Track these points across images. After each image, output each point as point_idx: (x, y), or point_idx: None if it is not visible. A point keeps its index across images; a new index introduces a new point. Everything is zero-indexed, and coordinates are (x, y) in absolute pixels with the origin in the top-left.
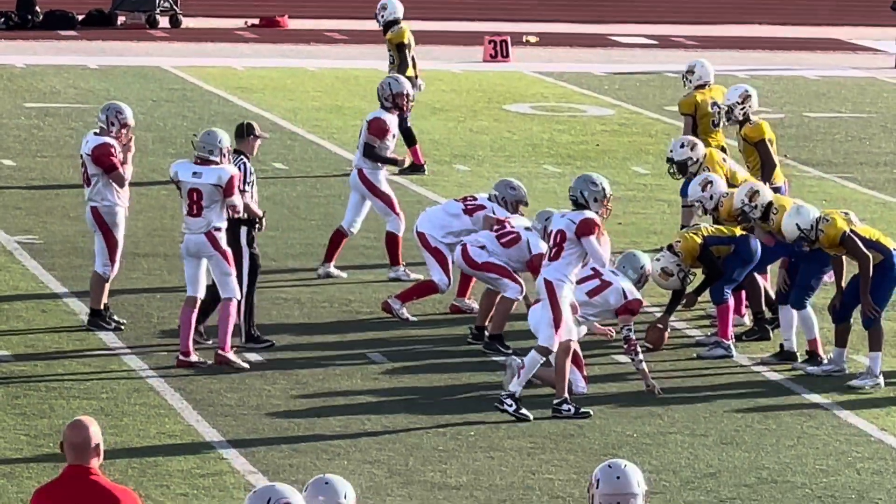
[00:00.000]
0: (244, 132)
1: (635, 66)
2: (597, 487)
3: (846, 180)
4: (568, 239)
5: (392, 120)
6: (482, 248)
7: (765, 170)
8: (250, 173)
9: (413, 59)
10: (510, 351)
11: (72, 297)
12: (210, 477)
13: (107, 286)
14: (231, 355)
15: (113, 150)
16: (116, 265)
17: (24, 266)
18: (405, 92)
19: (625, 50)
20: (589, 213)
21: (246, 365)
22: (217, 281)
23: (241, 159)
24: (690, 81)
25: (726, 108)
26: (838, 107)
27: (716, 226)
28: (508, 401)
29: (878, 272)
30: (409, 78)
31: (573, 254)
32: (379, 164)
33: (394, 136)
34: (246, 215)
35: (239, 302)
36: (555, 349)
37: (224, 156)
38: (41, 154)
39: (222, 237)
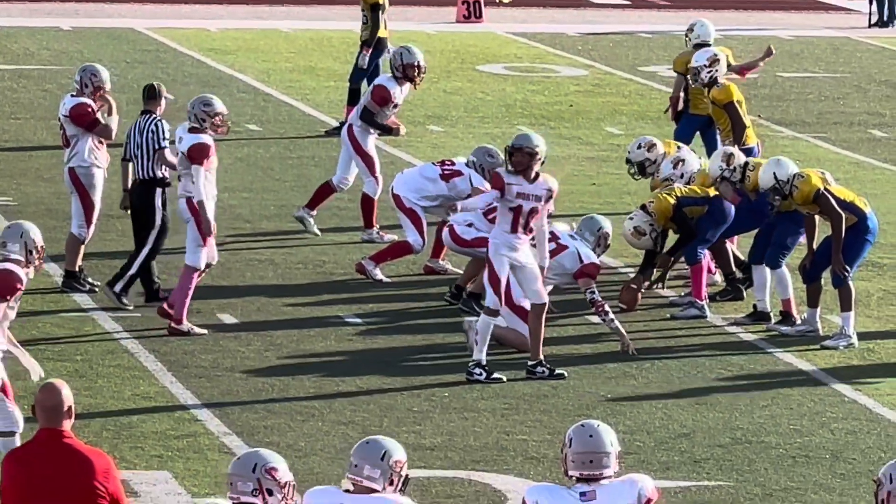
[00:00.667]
0: (155, 93)
1: (609, 27)
2: (569, 447)
3: (819, 140)
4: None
5: (396, 89)
6: (469, 225)
7: (735, 131)
8: (165, 130)
9: (385, 21)
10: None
11: (46, 259)
12: (184, 438)
13: (82, 248)
14: (185, 325)
15: (90, 108)
16: (93, 227)
17: None
18: (416, 63)
19: (598, 10)
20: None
21: (203, 331)
22: (187, 247)
23: (154, 118)
24: (690, 40)
25: (694, 70)
26: (812, 67)
27: (689, 186)
28: (477, 370)
29: (851, 233)
30: (381, 39)
31: (500, 211)
32: (371, 129)
33: (395, 105)
34: (157, 176)
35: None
36: (501, 309)
37: (205, 120)
38: (15, 116)
39: (196, 206)
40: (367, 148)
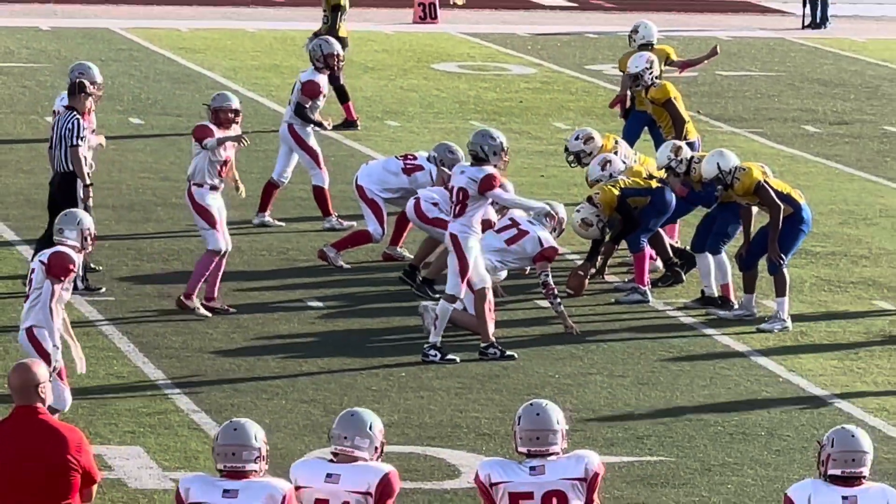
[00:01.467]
0: (76, 90)
1: (557, 28)
2: (519, 424)
3: (756, 135)
4: (470, 196)
5: (323, 80)
6: (435, 204)
7: (677, 126)
8: (83, 128)
9: (345, 21)
10: (438, 296)
11: (25, 245)
12: (156, 415)
13: None
14: (193, 302)
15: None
16: None
17: None
18: (335, 52)
19: (547, 12)
20: (488, 168)
21: (208, 314)
22: (201, 234)
23: (74, 115)
24: (634, 41)
25: (634, 75)
26: (748, 66)
27: (633, 178)
28: (432, 351)
29: (787, 224)
30: (341, 38)
31: (476, 207)
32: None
33: (324, 96)
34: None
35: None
36: (461, 296)
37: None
38: None
39: (200, 193)
40: (309, 142)
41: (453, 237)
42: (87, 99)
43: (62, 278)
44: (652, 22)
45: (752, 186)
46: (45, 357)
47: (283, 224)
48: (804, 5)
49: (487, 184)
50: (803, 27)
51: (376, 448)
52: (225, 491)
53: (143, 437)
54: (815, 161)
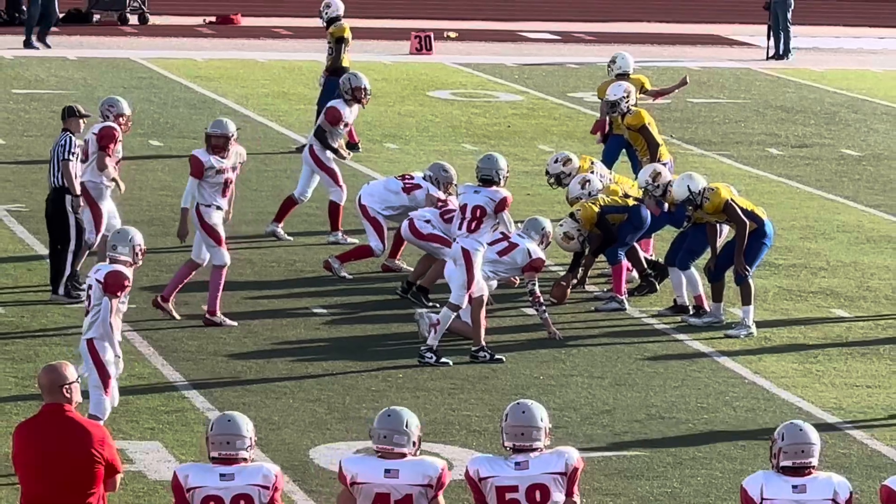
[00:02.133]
0: (65, 114)
1: (542, 59)
2: (505, 421)
3: (724, 157)
4: (487, 214)
5: (346, 110)
6: (427, 221)
7: (651, 149)
8: (74, 146)
9: (347, 52)
10: (431, 304)
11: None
12: (174, 413)
13: (86, 252)
14: (217, 318)
15: (113, 131)
16: (100, 235)
17: (13, 231)
18: (363, 86)
19: (532, 44)
20: (503, 191)
21: (234, 323)
22: (208, 251)
23: (66, 135)
24: (612, 70)
25: (611, 103)
26: (717, 94)
27: (611, 196)
28: (428, 354)
29: (752, 238)
30: (343, 68)
31: (489, 225)
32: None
33: (346, 124)
34: (65, 183)
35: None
36: (464, 307)
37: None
38: (27, 134)
39: (207, 212)
40: (328, 163)
41: (465, 251)
42: (80, 120)
43: (118, 294)
44: (628, 53)
45: (720, 205)
46: (101, 367)
47: (291, 238)
48: (768, 38)
49: (503, 205)
50: (767, 58)
51: (414, 443)
52: (221, 475)
53: (162, 433)
54: (777, 181)
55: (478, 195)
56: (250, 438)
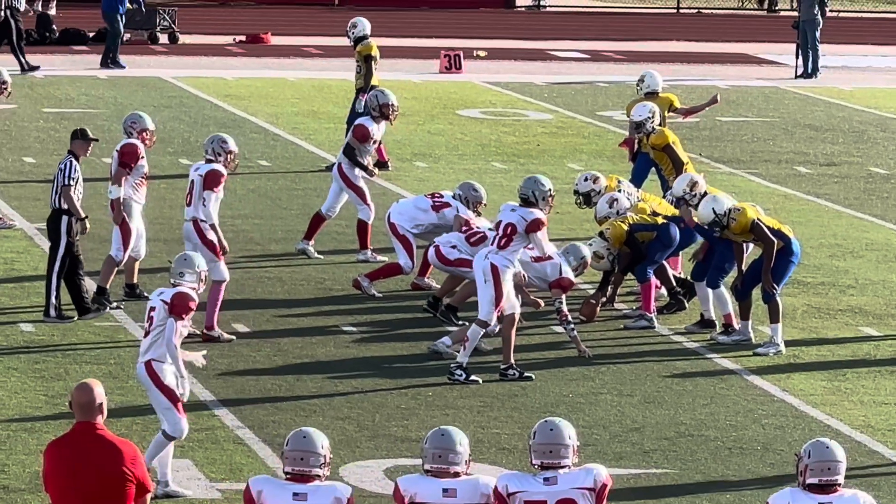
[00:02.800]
0: (74, 136)
1: (571, 77)
2: (534, 439)
3: (752, 175)
4: (518, 233)
5: (375, 128)
6: (453, 247)
7: (677, 168)
8: (75, 170)
9: (376, 70)
10: (460, 322)
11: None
12: (204, 431)
13: (137, 265)
14: (215, 332)
15: (137, 148)
16: (128, 252)
17: (43, 249)
18: (390, 102)
19: (562, 63)
20: (538, 213)
21: (232, 337)
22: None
23: (70, 158)
24: (641, 89)
25: (636, 123)
26: (746, 112)
27: (640, 214)
28: (458, 371)
29: (779, 256)
30: (373, 86)
31: (519, 244)
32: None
33: (374, 141)
34: (66, 206)
35: (59, 279)
36: (492, 323)
37: (220, 155)
38: (58, 153)
39: (206, 228)
40: (356, 181)
41: (493, 267)
42: (88, 144)
43: (183, 316)
44: (657, 72)
45: (747, 225)
46: (164, 389)
47: (321, 256)
48: (797, 57)
49: (534, 226)
50: (796, 77)
51: (466, 462)
52: (295, 494)
53: (192, 451)
54: (806, 199)
55: (513, 213)
56: (325, 456)
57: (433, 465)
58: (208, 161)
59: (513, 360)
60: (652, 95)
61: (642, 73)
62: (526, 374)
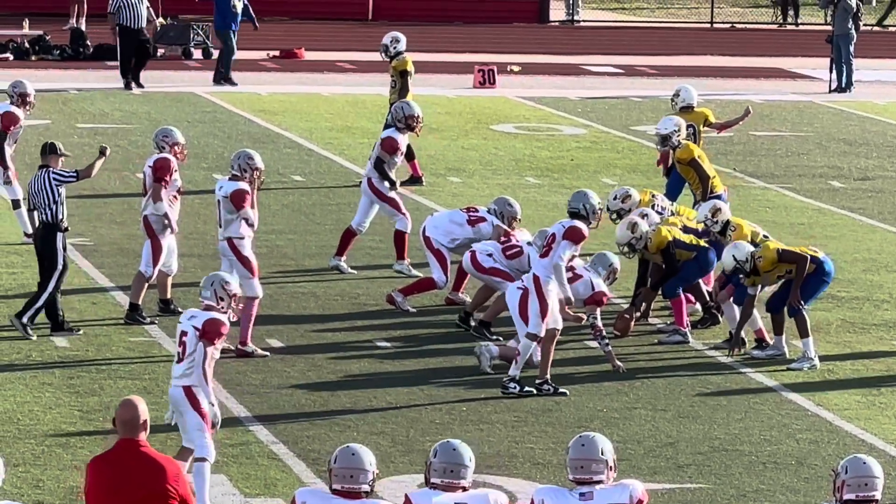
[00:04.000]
0: (45, 150)
1: (605, 92)
2: (568, 454)
3: (787, 190)
4: (557, 240)
5: (402, 139)
6: (489, 255)
7: (703, 183)
8: (56, 176)
9: (410, 85)
10: (495, 337)
11: (118, 291)
12: (238, 446)
13: (169, 280)
14: (249, 347)
15: (168, 162)
16: (158, 267)
17: (77, 264)
18: (416, 114)
19: (596, 77)
20: (580, 223)
21: (266, 353)
22: (241, 283)
23: (51, 170)
24: (676, 104)
25: (663, 136)
26: (780, 126)
27: (687, 234)
28: (511, 384)
29: (812, 274)
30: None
31: (559, 252)
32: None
33: (401, 153)
34: (58, 221)
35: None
36: (542, 335)
37: (246, 171)
38: None
39: (242, 244)
40: (387, 192)
41: (535, 279)
42: (59, 158)
43: (215, 342)
44: (692, 86)
45: (774, 258)
46: (201, 412)
47: (355, 272)
48: (831, 71)
49: (571, 234)
50: (830, 91)
51: (471, 473)
52: None
53: (227, 466)
54: (840, 214)
55: (559, 224)
56: (373, 472)
57: (443, 479)
58: (233, 177)
59: (548, 376)
60: (687, 110)
61: (677, 88)
62: (561, 390)
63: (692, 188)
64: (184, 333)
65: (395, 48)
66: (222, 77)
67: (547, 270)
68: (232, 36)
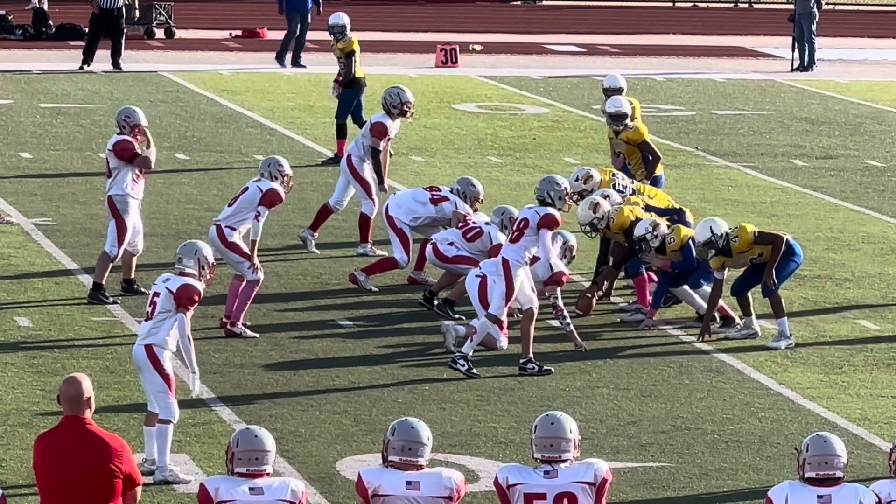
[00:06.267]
0: None
1: (567, 71)
2: (535, 433)
3: (749, 169)
4: (529, 227)
5: (392, 124)
6: (451, 244)
7: (649, 164)
8: None
9: (358, 63)
10: (457, 316)
11: (81, 271)
12: (201, 426)
13: (134, 260)
14: (238, 328)
15: (130, 143)
16: (122, 247)
17: (40, 245)
18: (410, 100)
19: (557, 56)
20: (553, 210)
21: (255, 335)
22: (237, 268)
23: None
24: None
25: (620, 114)
26: (742, 105)
27: (631, 206)
28: (461, 361)
29: (783, 255)
30: (357, 79)
31: (531, 240)
32: (365, 157)
33: (389, 139)
34: None
35: None
36: (503, 318)
37: (276, 178)
38: (54, 148)
39: (230, 234)
40: (364, 174)
41: (504, 262)
42: None
43: (189, 307)
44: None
45: (751, 239)
46: (161, 372)
47: (317, 251)
48: (793, 50)
49: (546, 221)
50: (792, 70)
51: (429, 451)
52: (251, 489)
53: (189, 446)
54: (802, 192)
55: (530, 209)
56: (273, 452)
57: (401, 457)
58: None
59: (531, 354)
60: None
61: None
62: (545, 368)
63: (632, 169)
64: (156, 294)
65: (340, 29)
66: (292, 60)
67: (517, 255)
68: (297, 18)
